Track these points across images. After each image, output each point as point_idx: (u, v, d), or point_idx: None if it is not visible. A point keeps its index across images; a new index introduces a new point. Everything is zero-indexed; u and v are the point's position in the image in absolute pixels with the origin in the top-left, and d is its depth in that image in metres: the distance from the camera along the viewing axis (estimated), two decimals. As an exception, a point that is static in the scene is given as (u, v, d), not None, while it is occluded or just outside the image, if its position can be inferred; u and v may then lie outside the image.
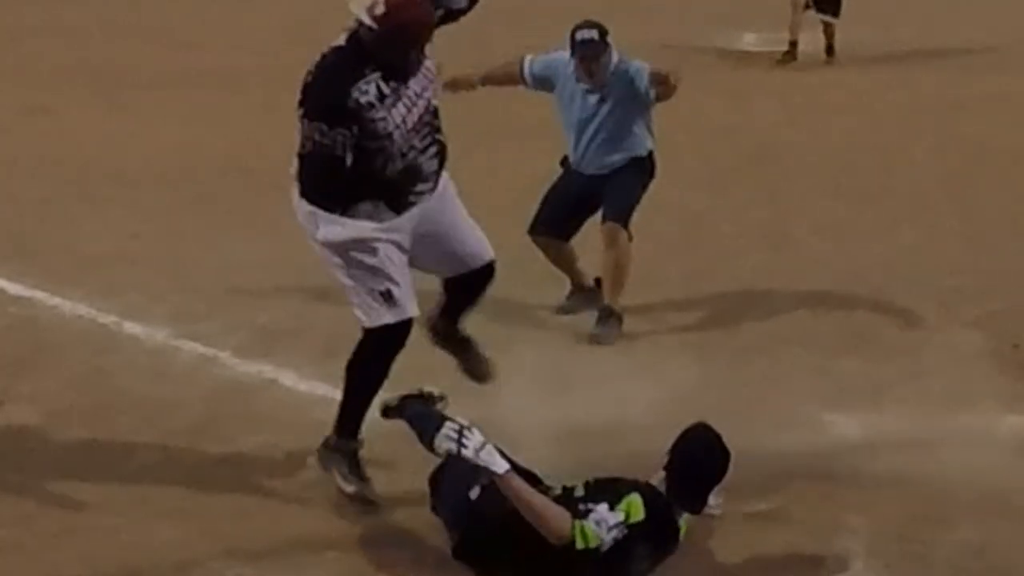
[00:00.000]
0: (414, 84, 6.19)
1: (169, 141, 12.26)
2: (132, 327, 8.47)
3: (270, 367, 7.72)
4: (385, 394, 6.50)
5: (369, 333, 6.34)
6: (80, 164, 11.64)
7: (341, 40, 6.15)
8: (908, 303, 8.84)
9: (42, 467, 6.87)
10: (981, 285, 9.12)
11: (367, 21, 6.01)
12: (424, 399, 6.55)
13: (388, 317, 6.30)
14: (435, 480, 6.22)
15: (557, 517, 5.76)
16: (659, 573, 5.94)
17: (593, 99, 8.48)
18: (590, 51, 8.39)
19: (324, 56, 6.14)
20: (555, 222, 8.64)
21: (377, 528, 6.35)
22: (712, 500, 6.12)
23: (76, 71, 14.64)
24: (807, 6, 15.09)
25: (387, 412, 6.64)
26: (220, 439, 7.10)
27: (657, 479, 6.01)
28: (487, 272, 6.66)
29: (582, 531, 5.74)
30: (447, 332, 6.86)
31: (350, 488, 6.42)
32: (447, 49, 6.58)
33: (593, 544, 5.74)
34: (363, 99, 6.01)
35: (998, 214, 10.48)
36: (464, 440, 5.69)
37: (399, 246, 6.30)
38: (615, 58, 8.46)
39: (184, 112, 13.16)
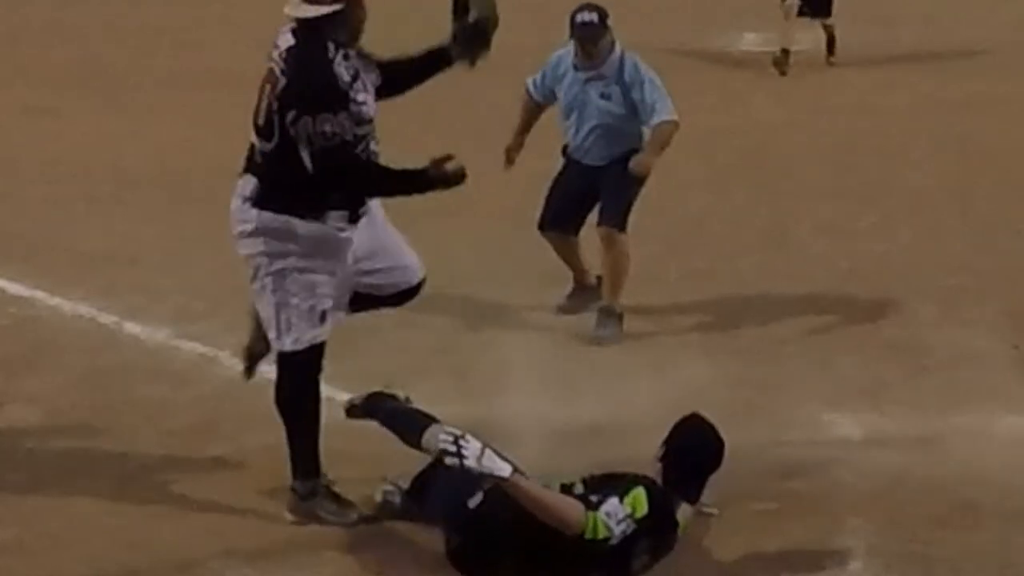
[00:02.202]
0: (370, 89, 6.23)
1: (169, 141, 12.23)
2: (132, 327, 8.47)
3: (270, 367, 7.71)
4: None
5: (296, 355, 6.32)
6: (80, 164, 11.61)
7: (290, 40, 6.18)
8: (908, 303, 8.84)
9: (42, 467, 6.87)
10: (981, 285, 9.11)
11: (320, 10, 6.05)
12: (391, 397, 6.55)
13: (322, 335, 6.31)
14: (421, 483, 6.20)
15: (571, 508, 5.75)
16: (659, 572, 5.95)
17: (595, 93, 8.46)
18: (589, 33, 8.37)
19: (287, 58, 6.15)
20: (562, 217, 8.65)
21: (376, 528, 6.34)
22: (706, 499, 6.14)
23: (76, 71, 14.61)
24: (800, 13, 14.96)
25: (352, 411, 6.60)
26: (220, 439, 7.10)
27: (653, 471, 6.02)
28: (415, 291, 6.66)
29: (594, 522, 5.74)
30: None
31: (349, 519, 6.38)
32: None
33: (602, 536, 5.73)
34: (344, 77, 6.10)
35: (998, 214, 10.46)
36: (463, 450, 5.62)
37: (346, 260, 6.33)
38: (618, 47, 8.45)
39: (184, 112, 13.13)
